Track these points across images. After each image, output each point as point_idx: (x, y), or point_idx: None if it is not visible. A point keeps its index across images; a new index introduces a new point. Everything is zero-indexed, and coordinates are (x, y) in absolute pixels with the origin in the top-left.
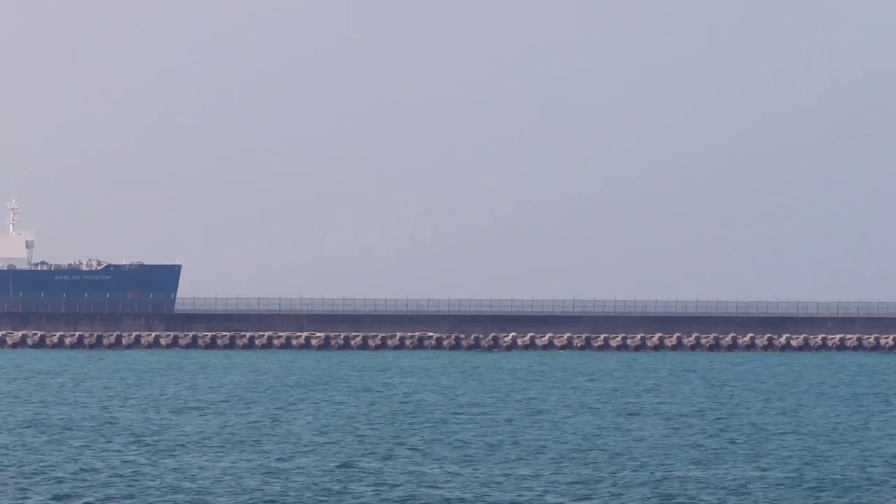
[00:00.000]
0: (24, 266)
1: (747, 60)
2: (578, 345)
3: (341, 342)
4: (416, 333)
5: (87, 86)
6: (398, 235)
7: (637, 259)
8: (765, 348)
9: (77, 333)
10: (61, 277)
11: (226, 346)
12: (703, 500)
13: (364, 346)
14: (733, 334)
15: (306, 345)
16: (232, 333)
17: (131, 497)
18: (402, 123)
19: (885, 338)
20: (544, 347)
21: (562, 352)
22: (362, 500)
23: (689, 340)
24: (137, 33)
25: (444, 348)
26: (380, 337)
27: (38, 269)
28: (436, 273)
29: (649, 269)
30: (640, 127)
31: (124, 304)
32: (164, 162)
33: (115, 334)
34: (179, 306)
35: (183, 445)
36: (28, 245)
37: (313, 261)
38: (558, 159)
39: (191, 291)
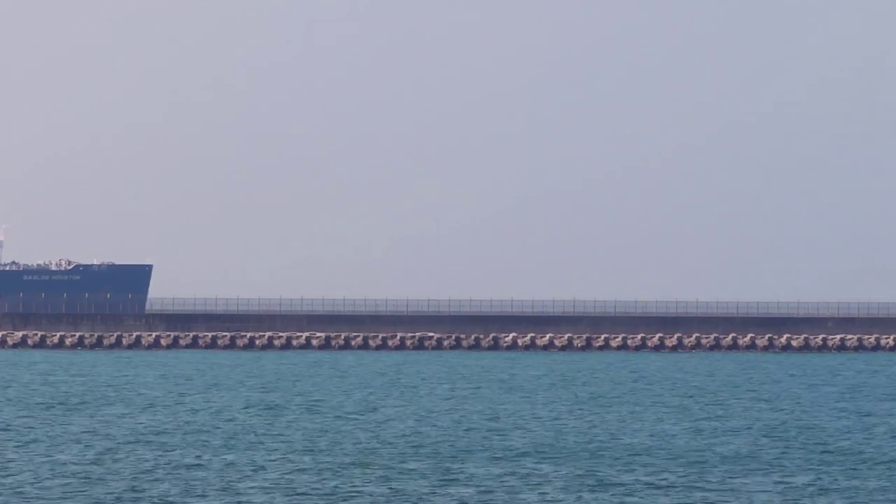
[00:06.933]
0: None
1: (752, 57)
2: (579, 345)
3: (342, 342)
4: (417, 334)
5: (60, 85)
6: (398, 235)
7: (637, 259)
8: (765, 348)
9: (77, 334)
10: (30, 277)
11: (226, 347)
12: None
13: (364, 346)
14: (734, 334)
15: (307, 345)
16: (232, 333)
17: None
18: (399, 121)
19: (886, 338)
20: (545, 347)
21: (561, 353)
22: None
23: (689, 341)
24: (110, 33)
25: (445, 348)
26: (380, 337)
27: (8, 269)
28: (436, 273)
29: (649, 269)
30: (640, 127)
31: (85, 303)
32: (161, 162)
33: (115, 334)
34: (180, 306)
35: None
36: None
37: (313, 261)
38: (558, 159)
39: (191, 292)
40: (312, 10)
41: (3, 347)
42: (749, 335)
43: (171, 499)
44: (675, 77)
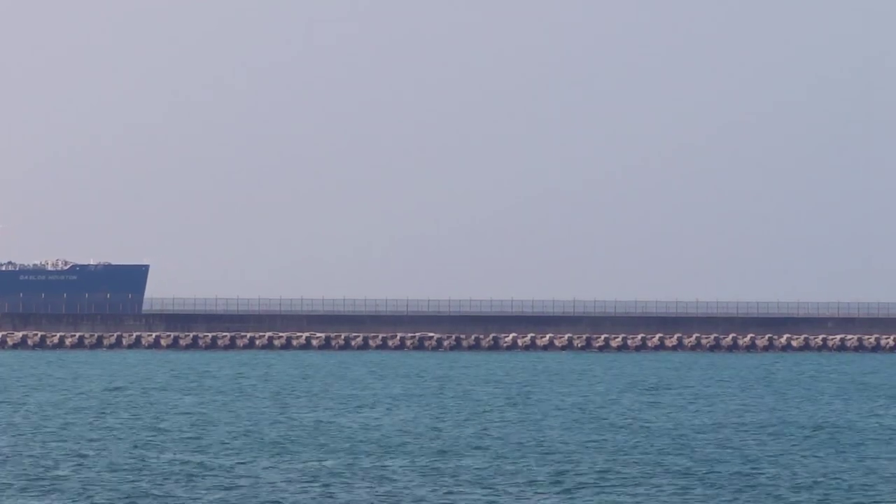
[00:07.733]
0: None
1: (752, 57)
2: (579, 345)
3: (342, 342)
4: (417, 334)
5: (60, 85)
6: (398, 235)
7: (637, 259)
8: (765, 349)
9: (77, 334)
10: (27, 277)
11: (226, 347)
12: None
13: (365, 346)
14: (734, 335)
15: (307, 345)
16: (232, 334)
17: None
18: (399, 121)
19: (886, 338)
20: (545, 348)
21: (563, 352)
22: None
23: (689, 341)
24: (110, 33)
25: (445, 349)
26: (380, 337)
27: (4, 269)
28: (436, 273)
29: (649, 269)
30: (640, 127)
31: (85, 303)
32: (161, 162)
33: (115, 335)
34: (179, 306)
35: None
36: None
37: (313, 261)
38: (558, 159)
39: (191, 292)
40: (312, 10)
41: (3, 348)
42: (749, 335)
43: None
44: (675, 77)
